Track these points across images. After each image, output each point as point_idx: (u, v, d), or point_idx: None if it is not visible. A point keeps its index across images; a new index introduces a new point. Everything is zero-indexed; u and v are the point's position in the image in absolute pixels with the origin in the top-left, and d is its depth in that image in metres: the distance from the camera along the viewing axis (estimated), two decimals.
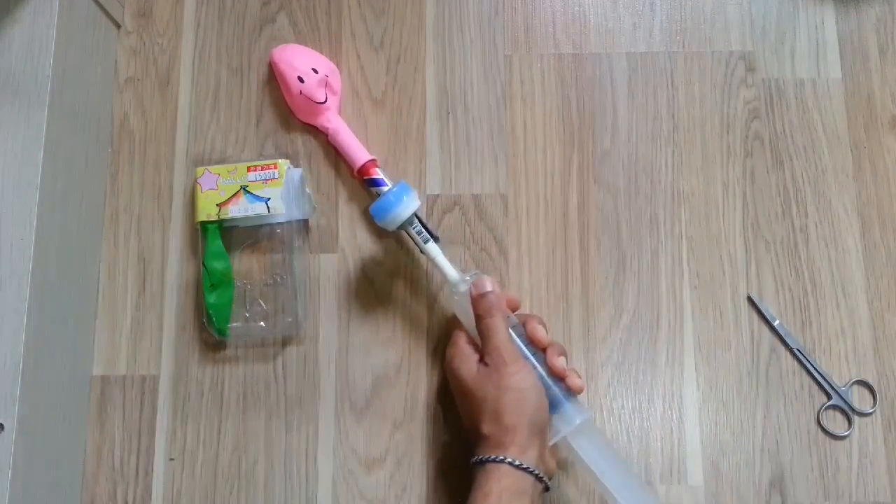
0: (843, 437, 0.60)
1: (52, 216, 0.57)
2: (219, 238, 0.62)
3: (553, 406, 0.53)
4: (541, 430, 0.52)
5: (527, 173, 0.65)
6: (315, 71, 0.64)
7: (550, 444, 0.53)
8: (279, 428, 0.61)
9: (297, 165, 0.64)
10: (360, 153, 0.63)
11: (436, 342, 0.62)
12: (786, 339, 0.62)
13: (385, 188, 0.62)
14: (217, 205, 0.61)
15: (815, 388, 0.61)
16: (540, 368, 0.54)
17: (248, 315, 0.62)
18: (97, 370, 0.62)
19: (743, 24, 0.68)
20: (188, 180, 0.65)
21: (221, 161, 0.64)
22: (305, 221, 0.64)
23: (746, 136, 0.66)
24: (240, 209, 0.61)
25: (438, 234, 0.63)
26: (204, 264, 0.61)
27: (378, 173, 0.63)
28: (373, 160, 0.63)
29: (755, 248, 0.64)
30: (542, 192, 0.65)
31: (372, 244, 0.64)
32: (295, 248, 0.63)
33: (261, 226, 0.63)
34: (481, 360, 0.54)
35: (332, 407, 0.61)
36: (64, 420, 0.59)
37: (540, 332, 0.56)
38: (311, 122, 0.65)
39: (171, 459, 0.61)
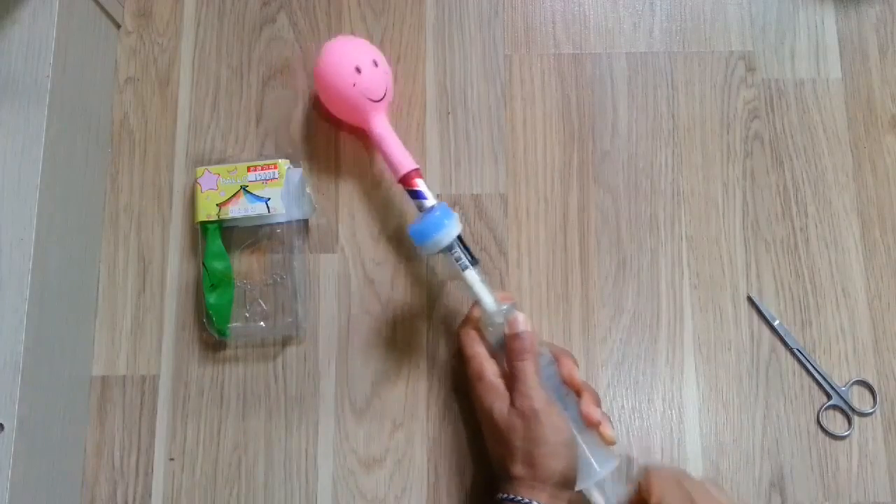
0: (843, 437, 0.60)
1: (52, 216, 0.57)
2: (219, 238, 0.62)
3: (581, 452, 0.52)
4: (571, 481, 0.52)
5: (527, 173, 0.66)
6: (375, 63, 0.61)
7: (577, 489, 0.53)
8: (279, 428, 0.61)
9: (297, 165, 0.64)
10: (404, 161, 0.60)
11: (436, 342, 0.62)
12: (786, 339, 0.62)
13: (425, 201, 0.59)
14: (217, 205, 0.61)
15: (815, 388, 0.61)
16: (570, 412, 0.53)
17: (248, 315, 0.62)
18: (97, 370, 0.62)
19: (743, 24, 0.68)
20: (188, 180, 0.65)
21: (221, 161, 0.65)
22: (305, 221, 0.64)
23: (746, 136, 0.66)
24: (240, 209, 0.61)
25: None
26: (204, 264, 0.61)
27: (420, 185, 0.59)
28: (416, 169, 0.59)
29: (755, 248, 0.64)
30: (542, 192, 0.65)
31: (372, 244, 0.64)
32: (295, 248, 0.63)
33: (261, 226, 0.63)
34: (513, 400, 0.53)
35: (332, 407, 0.61)
36: (64, 420, 0.59)
37: (576, 374, 0.55)
38: (355, 123, 0.63)
39: (171, 459, 0.61)
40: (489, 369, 0.55)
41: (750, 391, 0.61)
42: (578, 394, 0.54)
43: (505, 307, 0.55)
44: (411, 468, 0.60)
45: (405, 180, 0.60)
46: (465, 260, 0.55)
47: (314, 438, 0.61)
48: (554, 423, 0.51)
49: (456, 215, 0.56)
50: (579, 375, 0.55)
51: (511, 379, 0.54)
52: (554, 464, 0.51)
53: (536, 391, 0.52)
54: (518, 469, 0.52)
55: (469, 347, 0.57)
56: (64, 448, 0.59)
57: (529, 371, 0.53)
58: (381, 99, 0.61)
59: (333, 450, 0.61)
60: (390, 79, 0.62)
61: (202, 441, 0.61)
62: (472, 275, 0.56)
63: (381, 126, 0.61)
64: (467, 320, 0.59)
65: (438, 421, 0.61)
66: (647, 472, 0.52)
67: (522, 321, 0.54)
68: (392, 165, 0.60)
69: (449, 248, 0.55)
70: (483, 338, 0.57)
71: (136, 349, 0.63)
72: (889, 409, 0.61)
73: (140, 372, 0.62)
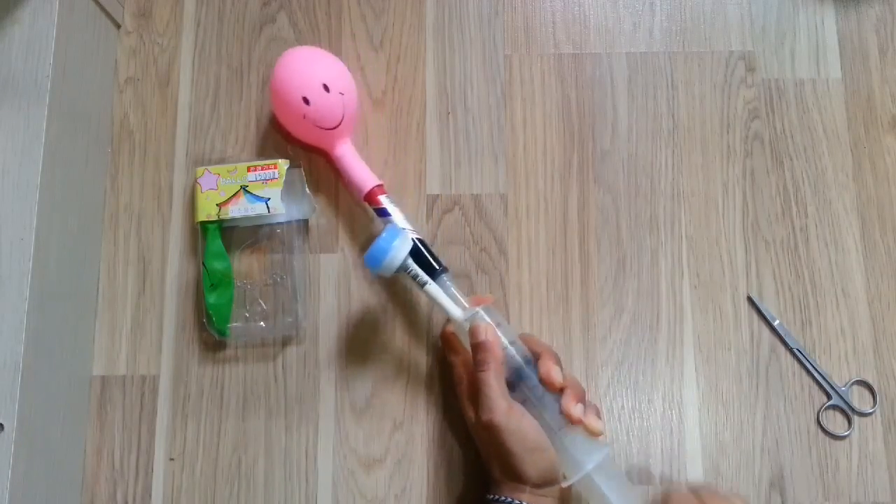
0: (843, 437, 0.60)
1: (52, 216, 0.57)
2: (219, 238, 0.62)
3: (564, 449, 0.52)
4: (551, 480, 0.52)
5: (527, 173, 0.66)
6: (326, 88, 0.58)
7: (565, 485, 0.52)
8: (279, 428, 0.61)
9: (297, 165, 0.64)
10: (366, 179, 0.60)
11: (436, 342, 0.62)
12: (786, 339, 0.62)
13: (389, 218, 0.59)
14: (217, 205, 0.61)
15: (815, 388, 0.61)
16: (549, 411, 0.53)
17: (248, 315, 0.62)
18: (97, 370, 0.62)
19: (743, 24, 0.68)
20: (188, 180, 0.65)
21: (221, 161, 0.65)
22: (305, 221, 0.64)
23: (746, 136, 0.66)
24: (240, 209, 0.61)
25: (439, 253, 0.60)
26: (204, 264, 0.61)
27: (383, 202, 0.59)
28: (378, 186, 0.59)
29: (755, 248, 0.64)
30: (542, 192, 0.65)
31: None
32: (295, 248, 0.63)
33: (261, 226, 0.63)
34: None
35: (332, 407, 0.61)
36: (64, 420, 0.59)
37: (555, 375, 0.53)
38: (314, 145, 0.63)
39: (171, 459, 0.61)
40: (466, 377, 0.56)
41: (750, 391, 0.61)
42: (560, 391, 0.53)
43: (472, 313, 0.54)
44: (411, 468, 0.60)
45: (369, 200, 0.60)
46: (422, 276, 0.55)
47: (314, 438, 0.61)
48: (518, 431, 0.51)
49: (405, 234, 0.54)
50: (559, 373, 0.53)
51: (476, 390, 0.53)
52: (526, 469, 0.51)
53: (497, 402, 0.51)
54: (497, 472, 0.53)
55: (449, 355, 0.58)
56: (64, 448, 0.59)
57: (489, 382, 0.52)
58: (337, 126, 0.59)
59: (333, 450, 0.61)
60: (350, 98, 0.60)
61: (202, 441, 0.61)
62: (432, 289, 0.55)
63: (340, 150, 0.60)
64: (445, 329, 0.59)
65: (438, 421, 0.61)
66: (666, 494, 0.52)
67: (482, 331, 0.53)
68: (354, 186, 0.60)
69: (404, 268, 0.54)
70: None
71: (136, 349, 0.63)
72: (889, 409, 0.61)
73: (140, 372, 0.62)
